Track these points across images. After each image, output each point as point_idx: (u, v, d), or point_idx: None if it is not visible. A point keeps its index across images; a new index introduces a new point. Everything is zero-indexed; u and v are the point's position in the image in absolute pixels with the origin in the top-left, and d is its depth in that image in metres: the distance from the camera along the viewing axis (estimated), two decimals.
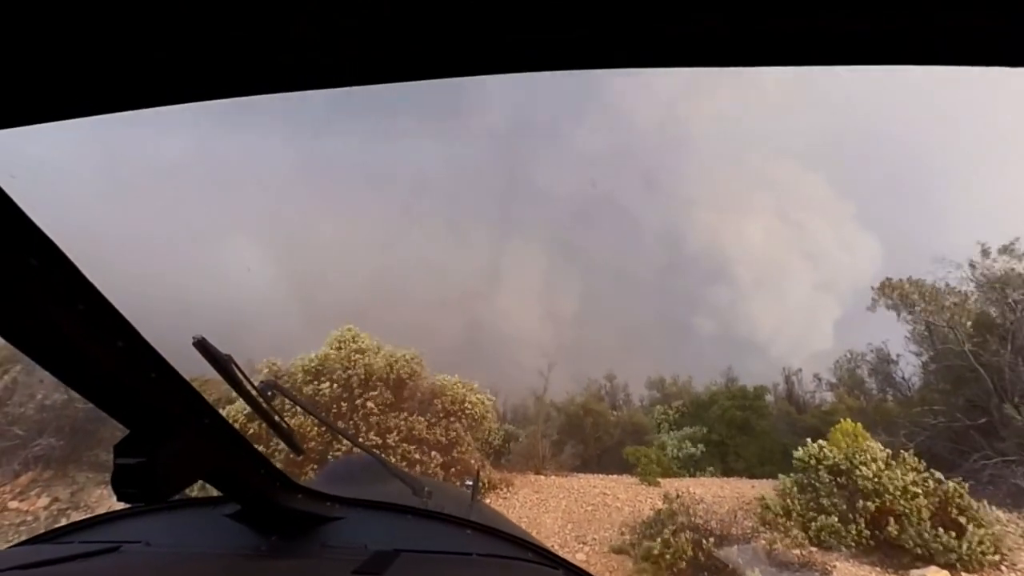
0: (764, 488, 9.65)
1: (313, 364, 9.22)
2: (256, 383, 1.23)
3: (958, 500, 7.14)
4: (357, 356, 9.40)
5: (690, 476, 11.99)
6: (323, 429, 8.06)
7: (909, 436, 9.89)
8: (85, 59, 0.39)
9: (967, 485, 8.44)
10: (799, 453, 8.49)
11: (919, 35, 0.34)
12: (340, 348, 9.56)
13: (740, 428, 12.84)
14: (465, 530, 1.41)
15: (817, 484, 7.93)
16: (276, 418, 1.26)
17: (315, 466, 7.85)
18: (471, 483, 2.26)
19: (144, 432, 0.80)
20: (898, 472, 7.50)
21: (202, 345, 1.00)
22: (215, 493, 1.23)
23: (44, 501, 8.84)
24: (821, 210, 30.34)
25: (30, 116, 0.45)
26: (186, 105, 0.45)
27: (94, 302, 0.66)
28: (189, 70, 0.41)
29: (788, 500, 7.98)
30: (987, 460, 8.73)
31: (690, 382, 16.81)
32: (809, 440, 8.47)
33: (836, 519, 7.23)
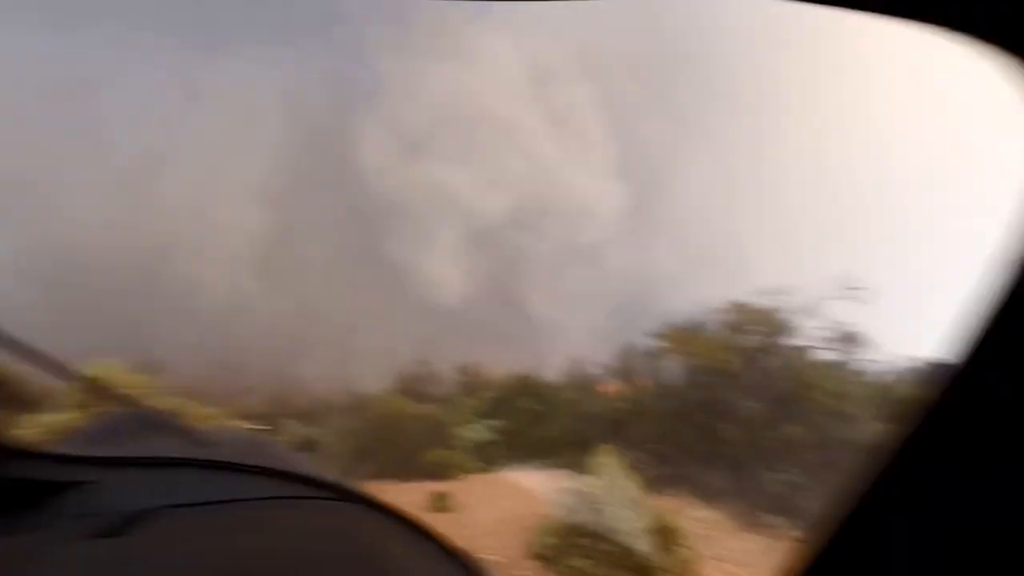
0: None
1: None
2: None
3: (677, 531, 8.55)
4: None
5: (488, 472, 12.86)
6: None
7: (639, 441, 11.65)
8: None
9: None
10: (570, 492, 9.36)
11: None
12: None
13: (536, 419, 13.92)
14: (248, 475, 1.35)
15: (577, 520, 8.87)
16: None
17: None
18: (263, 428, 1.94)
19: None
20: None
21: None
22: None
23: None
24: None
25: None
26: None
27: None
28: None
29: (552, 538, 8.83)
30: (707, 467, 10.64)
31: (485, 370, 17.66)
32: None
33: (590, 563, 8.20)
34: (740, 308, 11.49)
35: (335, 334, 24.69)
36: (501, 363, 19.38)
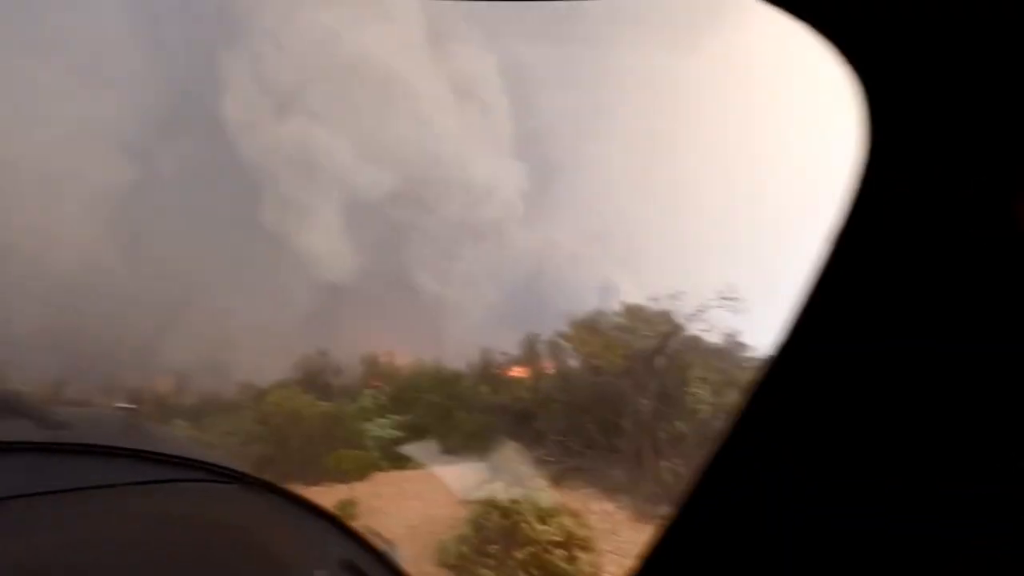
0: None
1: None
2: None
3: (583, 531, 9.20)
4: None
5: (397, 470, 12.75)
6: None
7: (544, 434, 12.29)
8: None
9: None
10: (479, 493, 9.62)
11: None
12: None
13: (443, 415, 13.94)
14: (113, 459, 1.27)
15: (488, 525, 9.19)
16: None
17: None
18: (127, 406, 2.00)
19: None
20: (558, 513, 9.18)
21: None
22: None
23: None
24: None
25: None
26: None
27: None
28: None
29: (463, 546, 9.08)
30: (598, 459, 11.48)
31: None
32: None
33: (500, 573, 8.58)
34: (635, 310, 12.38)
35: (212, 314, 22.45)
36: (399, 349, 18.99)
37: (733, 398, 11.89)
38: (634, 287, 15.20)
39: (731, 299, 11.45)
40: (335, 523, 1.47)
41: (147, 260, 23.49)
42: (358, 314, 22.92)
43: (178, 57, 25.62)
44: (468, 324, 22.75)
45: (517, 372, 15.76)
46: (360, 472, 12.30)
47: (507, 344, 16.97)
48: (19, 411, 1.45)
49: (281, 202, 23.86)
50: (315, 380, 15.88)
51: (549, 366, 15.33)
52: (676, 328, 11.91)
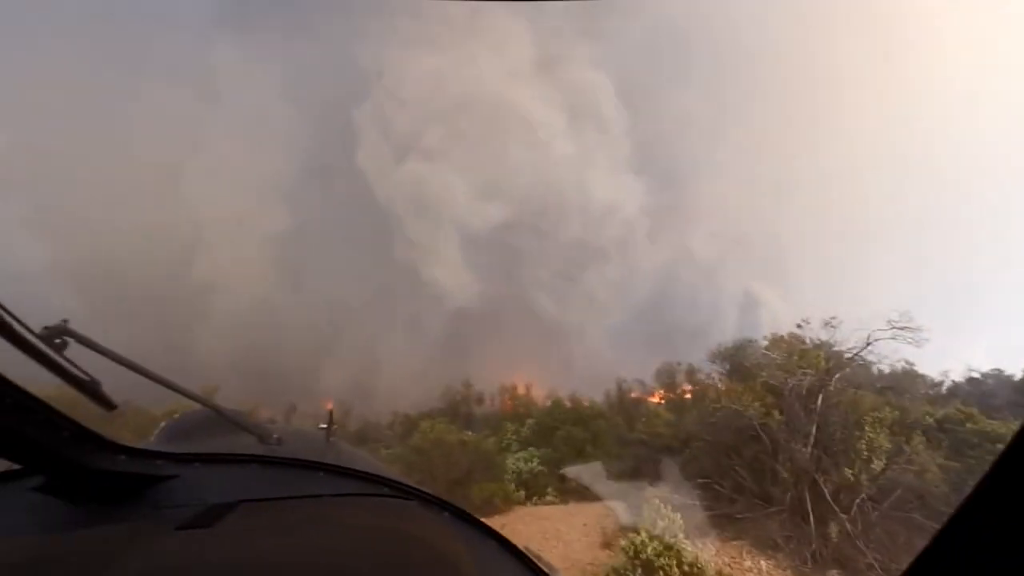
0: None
1: None
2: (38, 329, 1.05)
3: None
4: None
5: (536, 505, 12.91)
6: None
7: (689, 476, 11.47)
8: None
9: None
10: (622, 538, 9.37)
11: None
12: None
13: (581, 449, 13.86)
14: (317, 473, 1.44)
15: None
16: (71, 368, 1.10)
17: None
18: (325, 425, 2.21)
19: None
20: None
21: None
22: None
23: None
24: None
25: None
26: None
27: None
28: None
29: None
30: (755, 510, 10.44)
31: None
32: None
33: None
34: (786, 343, 11.16)
35: (361, 342, 24.74)
36: (532, 374, 19.28)
37: (916, 441, 10.23)
38: (780, 308, 13.88)
39: (904, 328, 9.89)
40: (503, 543, 1.51)
41: (305, 295, 26.81)
42: (488, 340, 23.87)
43: (318, 115, 29.19)
44: (599, 347, 22.46)
45: (654, 400, 15.15)
46: (502, 504, 12.61)
47: (643, 368, 16.46)
48: (246, 428, 1.69)
49: (409, 239, 25.93)
50: (458, 409, 16.71)
51: (687, 392, 14.51)
52: (838, 364, 10.52)
